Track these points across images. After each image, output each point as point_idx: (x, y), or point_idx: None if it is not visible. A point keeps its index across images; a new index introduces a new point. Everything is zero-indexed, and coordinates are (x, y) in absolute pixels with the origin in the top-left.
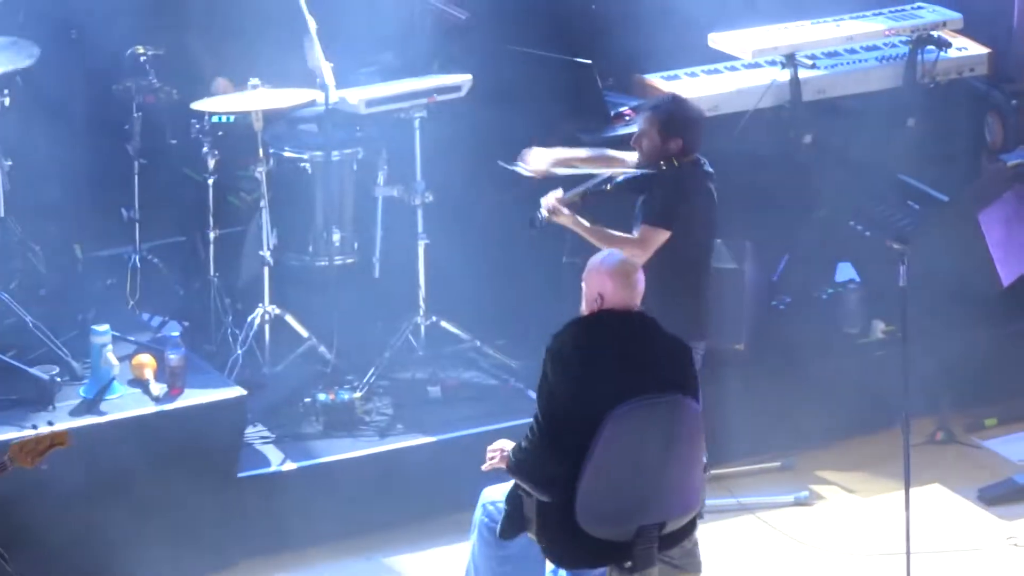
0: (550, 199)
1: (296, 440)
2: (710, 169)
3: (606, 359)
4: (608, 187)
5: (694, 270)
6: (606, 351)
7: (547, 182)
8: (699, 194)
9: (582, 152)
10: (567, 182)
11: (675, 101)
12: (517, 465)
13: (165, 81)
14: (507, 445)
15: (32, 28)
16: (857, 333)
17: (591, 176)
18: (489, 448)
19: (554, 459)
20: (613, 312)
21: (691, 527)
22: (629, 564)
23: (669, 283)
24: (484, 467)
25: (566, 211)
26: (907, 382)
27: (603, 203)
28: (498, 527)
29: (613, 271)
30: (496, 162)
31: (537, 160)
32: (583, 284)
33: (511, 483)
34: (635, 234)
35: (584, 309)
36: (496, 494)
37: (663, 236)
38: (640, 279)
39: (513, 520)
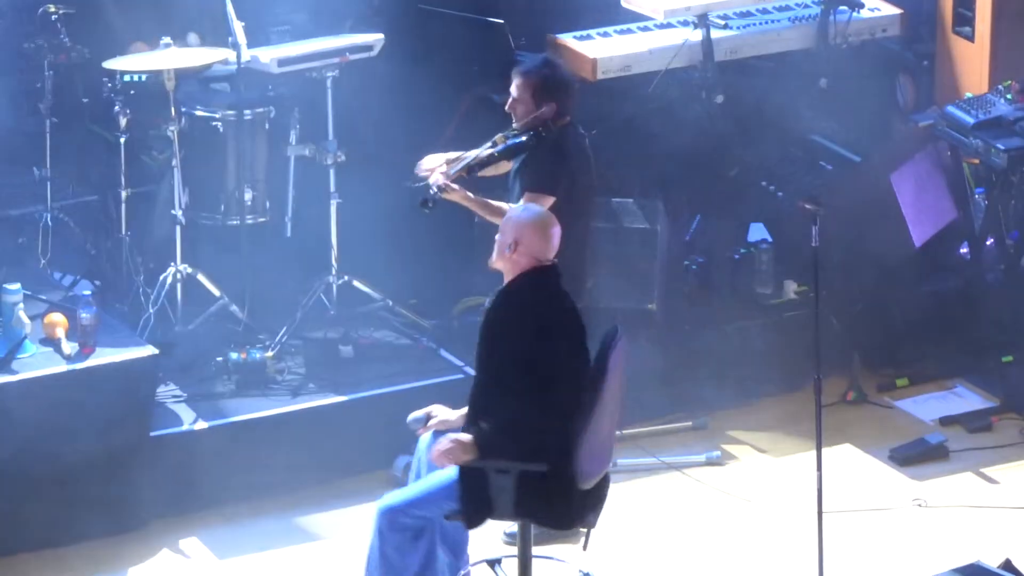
0: (437, 176)
1: (208, 399)
2: (583, 131)
3: (568, 312)
4: (491, 157)
5: (575, 230)
6: (563, 304)
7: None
8: (577, 157)
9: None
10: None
11: (547, 65)
12: (503, 444)
13: (77, 40)
14: (461, 437)
15: None
16: (769, 293)
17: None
18: (438, 448)
19: (552, 423)
20: (540, 268)
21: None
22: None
23: None
24: (446, 466)
25: (456, 186)
26: (819, 342)
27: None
28: (462, 519)
29: (534, 222)
30: (407, 120)
31: (432, 163)
32: (498, 235)
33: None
34: (521, 203)
35: (494, 259)
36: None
37: (548, 202)
38: (556, 233)
39: (480, 507)
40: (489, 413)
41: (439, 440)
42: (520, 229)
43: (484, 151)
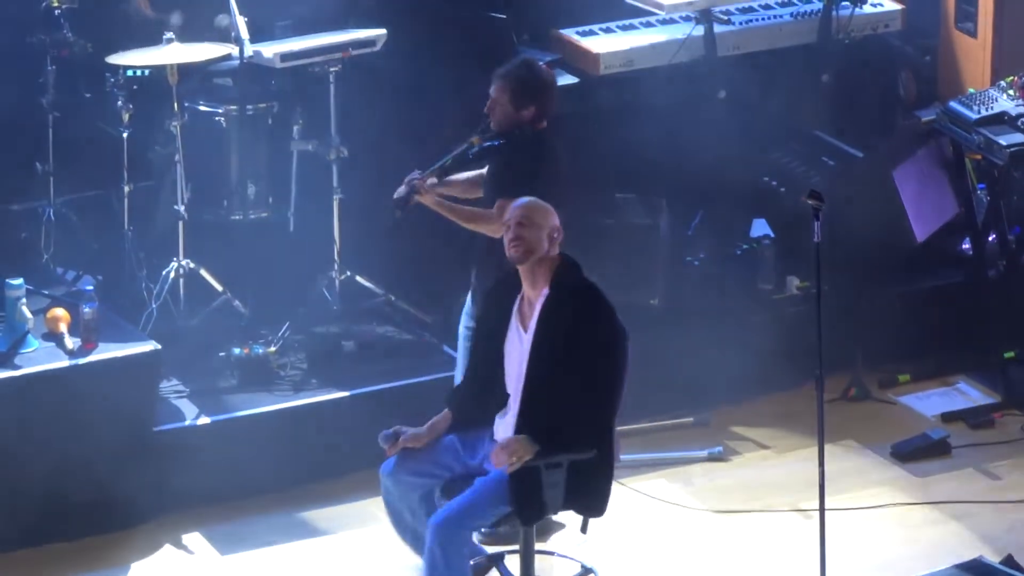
0: (411, 181)
1: (211, 394)
2: (557, 138)
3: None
4: (465, 161)
5: None
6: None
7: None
8: (553, 163)
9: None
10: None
11: (527, 67)
12: (572, 437)
13: (80, 34)
14: (519, 437)
15: None
16: (772, 289)
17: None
18: (500, 454)
19: (614, 411)
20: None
21: None
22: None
23: None
24: (510, 470)
25: (428, 190)
26: (821, 338)
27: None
28: (519, 519)
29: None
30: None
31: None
32: (526, 230)
33: None
34: (494, 209)
35: (528, 255)
36: None
37: None
38: None
39: (534, 504)
40: (559, 409)
41: (498, 444)
42: (554, 217)
43: (459, 152)
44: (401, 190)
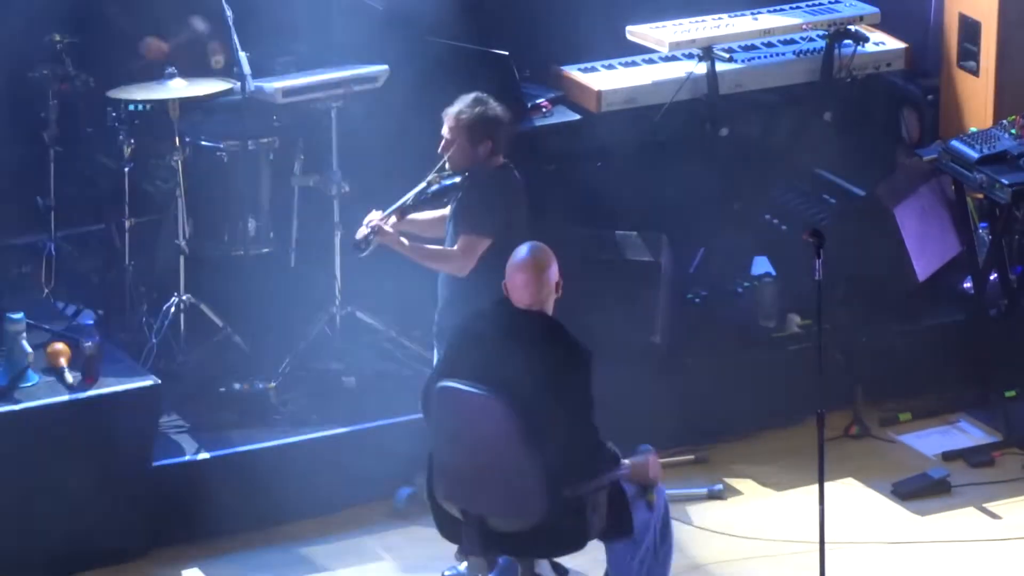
0: (372, 219)
1: (211, 429)
2: (517, 172)
3: (466, 340)
4: (423, 200)
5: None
6: (470, 333)
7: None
8: (514, 197)
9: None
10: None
11: (479, 103)
12: None
13: (81, 69)
14: None
15: None
16: (773, 327)
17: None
18: None
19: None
20: (506, 304)
21: (546, 545)
22: (461, 544)
23: (483, 283)
24: None
25: (390, 230)
26: (822, 375)
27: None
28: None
29: (513, 266)
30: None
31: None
32: None
33: None
34: (457, 246)
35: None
36: None
37: (485, 244)
38: (533, 280)
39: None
40: None
41: None
42: (507, 271)
43: (417, 191)
44: (362, 231)
